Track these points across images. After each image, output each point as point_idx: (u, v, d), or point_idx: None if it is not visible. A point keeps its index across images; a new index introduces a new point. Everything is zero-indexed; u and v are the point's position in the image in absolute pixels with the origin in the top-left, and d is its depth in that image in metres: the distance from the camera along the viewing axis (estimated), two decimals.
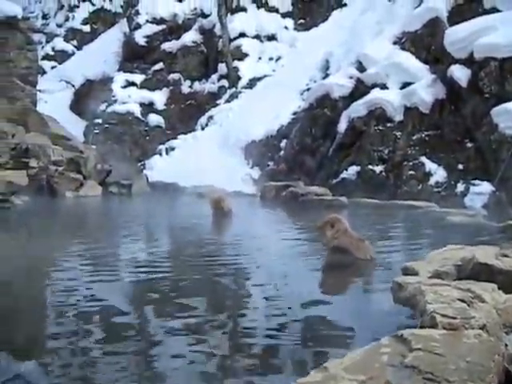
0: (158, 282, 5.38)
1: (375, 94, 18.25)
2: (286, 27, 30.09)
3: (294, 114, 22.75)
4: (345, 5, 29.77)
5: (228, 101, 27.51)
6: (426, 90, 17.32)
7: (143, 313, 4.45)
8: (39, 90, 24.84)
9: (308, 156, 19.56)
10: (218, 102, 28.11)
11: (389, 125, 17.60)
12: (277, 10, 30.50)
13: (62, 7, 42.93)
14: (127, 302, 4.82)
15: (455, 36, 17.06)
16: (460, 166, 16.02)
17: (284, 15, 30.44)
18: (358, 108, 18.26)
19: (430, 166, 16.42)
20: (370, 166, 17.23)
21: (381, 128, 17.63)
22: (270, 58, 28.97)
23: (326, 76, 23.13)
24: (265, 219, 11.81)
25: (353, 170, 17.46)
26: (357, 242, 6.04)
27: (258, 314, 4.33)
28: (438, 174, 16.19)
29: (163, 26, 31.53)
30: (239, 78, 28.14)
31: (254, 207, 14.83)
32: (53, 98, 30.74)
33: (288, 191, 14.97)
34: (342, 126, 18.66)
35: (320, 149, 19.45)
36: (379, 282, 5.23)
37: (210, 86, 29.40)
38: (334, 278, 5.77)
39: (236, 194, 16.87)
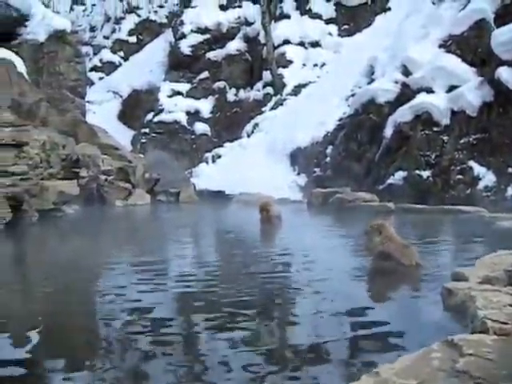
0: (207, 291, 5.45)
1: (421, 98, 18.07)
2: (329, 33, 30.05)
3: (340, 120, 22.69)
4: (389, 9, 29.63)
5: (273, 108, 27.59)
6: (472, 93, 17.09)
7: (192, 322, 4.50)
8: (88, 101, 25.38)
9: (354, 162, 19.49)
10: (263, 109, 28.21)
11: (435, 129, 17.41)
12: (320, 17, 30.50)
13: (108, 19, 43.71)
14: (176, 311, 4.87)
15: (502, 37, 16.80)
16: (510, 170, 15.76)
17: (328, 21, 30.42)
18: (404, 113, 18.11)
19: (478, 169, 16.19)
20: (417, 171, 17.07)
21: (427, 132, 17.46)
22: (315, 65, 28.97)
23: (371, 81, 23.00)
24: (313, 226, 11.78)
25: (399, 175, 17.33)
26: (402, 247, 6.02)
27: (306, 319, 4.36)
28: (487, 178, 15.95)
29: (208, 36, 31.81)
30: (284, 85, 28.20)
31: (301, 214, 14.79)
32: (101, 108, 31.33)
33: (335, 198, 14.92)
34: (388, 131, 18.54)
35: (366, 154, 19.37)
36: (427, 287, 5.21)
37: (255, 93, 29.55)
38: (381, 284, 5.76)
39: (283, 200, 16.84)
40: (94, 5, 45.90)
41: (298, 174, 22.69)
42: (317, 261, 6.86)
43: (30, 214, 11.29)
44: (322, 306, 4.66)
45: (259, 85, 29.61)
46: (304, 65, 29.21)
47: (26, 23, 21.06)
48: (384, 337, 3.89)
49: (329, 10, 30.57)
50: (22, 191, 11.35)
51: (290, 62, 29.08)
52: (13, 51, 20.08)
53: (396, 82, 19.54)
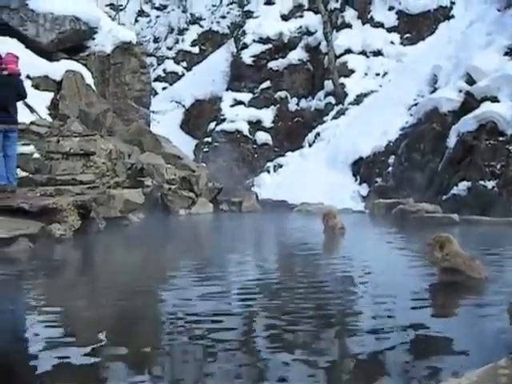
0: (267, 302, 5.55)
1: (486, 107, 17.83)
2: (391, 42, 29.88)
3: (402, 129, 22.56)
4: (452, 17, 29.30)
5: (335, 117, 27.59)
6: None
7: (253, 334, 4.56)
8: (152, 111, 25.87)
9: (417, 172, 19.33)
10: (324, 118, 28.22)
11: (501, 139, 17.15)
12: (382, 25, 30.36)
13: (172, 31, 44.47)
14: (235, 320, 4.96)
15: None
16: None
17: (390, 30, 30.25)
18: (468, 122, 17.89)
19: None
20: (482, 182, 16.83)
21: (492, 142, 17.20)
22: (377, 74, 28.84)
23: (434, 90, 22.83)
24: (376, 237, 11.72)
25: (463, 185, 17.11)
26: (469, 261, 5.98)
27: (369, 333, 4.40)
28: None
29: (269, 45, 32.02)
30: (346, 95, 28.16)
31: (364, 225, 14.74)
32: (164, 118, 31.87)
33: (398, 208, 14.82)
34: (452, 140, 18.34)
35: (429, 164, 19.21)
36: (494, 301, 5.19)
37: (316, 103, 29.58)
38: (446, 298, 5.74)
39: (345, 211, 16.83)
40: (158, 16, 46.71)
41: (360, 183, 22.63)
42: (380, 273, 6.87)
43: (98, 221, 11.56)
44: (384, 319, 4.67)
45: (321, 94, 29.63)
46: (366, 74, 29.11)
47: (94, 36, 21.64)
48: (449, 351, 3.91)
49: (391, 19, 30.39)
50: (90, 199, 11.63)
51: (352, 71, 29.02)
52: (81, 63, 20.69)
53: (460, 91, 19.34)
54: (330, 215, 11.10)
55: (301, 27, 32.27)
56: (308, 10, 32.86)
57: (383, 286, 6.03)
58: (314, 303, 5.26)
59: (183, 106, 36.02)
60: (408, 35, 29.87)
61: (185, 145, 27.54)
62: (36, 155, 15.42)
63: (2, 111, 11.05)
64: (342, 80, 28.70)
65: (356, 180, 23.00)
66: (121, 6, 45.40)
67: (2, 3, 19.81)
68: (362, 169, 23.05)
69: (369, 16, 30.61)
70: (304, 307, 5.09)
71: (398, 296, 5.45)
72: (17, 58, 11.70)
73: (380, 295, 5.55)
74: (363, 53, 29.56)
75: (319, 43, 30.84)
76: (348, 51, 29.51)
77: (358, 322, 4.67)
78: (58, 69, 19.78)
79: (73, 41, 21.01)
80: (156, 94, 35.89)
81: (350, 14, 30.74)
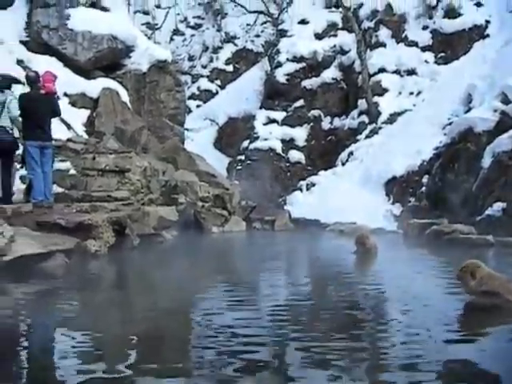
0: (300, 321, 5.57)
1: None
2: (426, 61, 29.75)
3: (436, 148, 22.42)
4: (487, 36, 29.13)
5: (368, 136, 27.52)
6: None
7: (282, 354, 4.58)
8: (186, 129, 26.08)
9: (451, 192, 19.14)
10: (358, 137, 28.15)
11: None
12: (416, 44, 30.28)
13: (206, 49, 44.91)
14: (268, 338, 4.97)
15: None
16: None
17: (424, 49, 30.15)
18: (504, 142, 17.72)
19: None
20: None
21: None
22: (411, 93, 28.73)
23: (469, 110, 22.68)
24: (410, 259, 11.58)
25: (498, 206, 16.90)
26: (506, 283, 5.93)
27: (401, 355, 4.40)
28: None
29: (303, 64, 32.08)
30: (379, 114, 28.09)
31: (397, 246, 14.63)
32: (198, 135, 32.09)
33: (432, 229, 14.69)
34: (486, 160, 18.17)
35: (463, 185, 19.03)
36: None
37: (350, 121, 29.54)
38: (483, 321, 5.68)
39: (378, 230, 16.74)
40: (192, 35, 47.22)
41: (393, 203, 22.50)
42: (414, 297, 6.79)
43: (132, 238, 11.67)
44: (419, 350, 4.63)
45: (354, 113, 29.60)
46: (400, 93, 29.02)
47: (130, 54, 21.96)
48: (481, 374, 3.89)
49: (425, 38, 30.30)
50: (125, 216, 11.77)
51: (386, 90, 28.96)
52: (117, 81, 21.00)
53: (495, 111, 19.18)
54: (363, 238, 11.09)
55: (335, 46, 32.32)
56: (342, 29, 32.93)
57: (419, 311, 5.94)
58: (346, 335, 5.20)
59: (217, 124, 36.23)
60: (442, 54, 29.73)
61: (218, 162, 27.72)
62: (72, 171, 15.66)
63: (37, 128, 11.24)
64: (376, 99, 28.64)
65: (389, 199, 22.87)
66: (156, 24, 45.98)
67: (43, 23, 20.23)
68: (395, 188, 22.93)
69: (403, 35, 30.56)
70: (336, 338, 5.01)
71: (434, 325, 5.31)
72: (55, 76, 11.93)
73: (416, 322, 5.45)
74: (397, 72, 29.47)
75: (353, 62, 30.85)
76: (382, 70, 29.46)
77: (393, 354, 4.56)
78: (94, 86, 20.10)
79: (109, 59, 21.35)
80: (190, 111, 36.13)
81: (383, 33, 30.73)
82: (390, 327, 5.36)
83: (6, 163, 11.39)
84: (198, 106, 40.02)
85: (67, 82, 17.86)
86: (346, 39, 31.92)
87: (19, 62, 19.00)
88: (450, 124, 22.78)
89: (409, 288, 7.40)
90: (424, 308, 6.10)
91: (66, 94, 18.70)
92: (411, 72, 29.40)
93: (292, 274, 9.54)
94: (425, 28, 30.47)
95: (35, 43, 20.29)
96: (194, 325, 5.57)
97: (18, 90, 12.85)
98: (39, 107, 11.26)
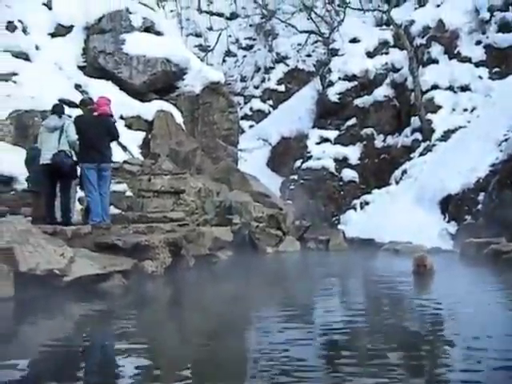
0: (355, 344, 5.55)
1: None
2: (479, 76, 29.32)
3: (492, 165, 22.03)
4: None
5: (422, 154, 27.22)
6: None
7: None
8: (240, 149, 26.28)
9: (508, 209, 18.77)
10: (411, 155, 27.86)
11: None
12: (470, 60, 29.89)
13: (258, 70, 45.18)
14: (321, 361, 4.97)
15: None
16: None
17: (477, 64, 29.73)
18: None
19: None
20: None
21: None
22: (465, 109, 28.33)
23: None
24: (468, 280, 11.23)
25: None
26: None
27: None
28: None
29: (355, 83, 31.99)
30: (433, 131, 27.77)
31: (454, 266, 14.37)
32: (251, 156, 32.22)
33: (490, 248, 14.32)
34: None
35: None
36: None
37: (403, 139, 29.28)
38: None
39: (434, 250, 16.51)
40: (244, 56, 47.57)
41: (449, 221, 22.15)
42: (476, 320, 6.67)
43: (188, 259, 11.79)
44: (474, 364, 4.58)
45: (407, 131, 29.33)
46: (453, 109, 28.65)
47: (184, 77, 22.31)
48: None
49: (478, 53, 29.89)
50: (181, 237, 11.89)
51: (439, 107, 28.64)
52: (171, 103, 21.36)
53: None
54: (421, 257, 10.98)
55: (386, 64, 32.16)
56: (393, 46, 32.76)
57: (477, 333, 5.82)
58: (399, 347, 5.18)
59: (270, 144, 36.32)
60: (496, 69, 29.28)
61: (271, 182, 27.76)
62: (129, 193, 15.96)
63: (92, 150, 11.42)
64: (429, 116, 28.35)
65: (444, 218, 22.51)
66: (209, 46, 46.53)
67: (99, 48, 20.77)
68: (451, 206, 22.59)
69: (455, 51, 30.22)
70: (401, 365, 4.98)
71: (503, 352, 5.17)
72: (109, 101, 12.17)
73: (483, 347, 5.29)
74: (450, 88, 29.14)
75: (405, 79, 30.64)
76: (435, 87, 29.17)
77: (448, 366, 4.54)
78: (149, 109, 20.51)
79: (164, 82, 21.77)
80: (243, 132, 36.29)
81: (436, 50, 30.44)
82: (449, 342, 5.33)
83: (65, 186, 11.64)
84: (250, 127, 40.22)
85: (123, 104, 18.26)
86: (398, 56, 31.75)
87: (77, 87, 19.55)
88: (506, 140, 22.40)
89: (470, 311, 7.23)
90: (488, 333, 5.86)
91: (121, 117, 19.11)
92: (465, 88, 29.02)
93: (347, 296, 9.48)
94: (478, 43, 30.08)
95: (92, 68, 20.86)
96: (249, 345, 5.61)
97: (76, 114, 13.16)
98: (93, 129, 11.41)
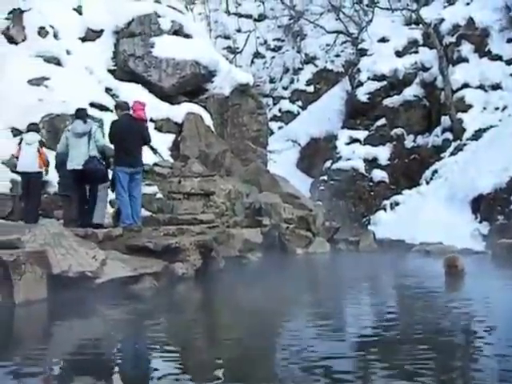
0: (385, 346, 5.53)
1: None
2: (511, 74, 29.03)
3: None
4: None
5: (453, 154, 26.98)
6: None
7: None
8: (269, 151, 26.29)
9: None
10: (442, 155, 27.65)
11: None
12: (501, 58, 29.56)
13: (287, 71, 45.19)
14: (351, 363, 4.97)
15: None
16: None
17: (509, 62, 29.41)
18: None
19: None
20: None
21: None
22: (496, 108, 28.03)
23: None
24: (501, 282, 10.98)
25: None
26: None
27: None
28: None
29: (384, 82, 31.82)
30: (464, 130, 27.53)
31: (486, 267, 14.20)
32: (281, 157, 32.25)
33: None
34: None
35: None
36: None
37: (433, 139, 29.06)
38: None
39: (465, 251, 16.33)
40: (273, 57, 47.57)
41: (481, 221, 21.93)
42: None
43: (218, 261, 11.82)
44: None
45: (438, 130, 29.11)
46: (484, 108, 28.37)
47: (213, 79, 22.39)
48: None
49: (509, 51, 29.56)
50: (211, 239, 11.94)
51: (470, 106, 28.38)
52: (201, 105, 21.44)
53: None
54: (452, 258, 10.90)
55: (416, 63, 31.93)
56: (423, 45, 32.51)
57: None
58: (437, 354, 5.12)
59: (299, 145, 36.33)
60: None
61: (301, 183, 27.70)
62: (159, 195, 16.07)
63: (128, 154, 11.53)
64: (460, 115, 28.11)
65: (476, 218, 22.29)
66: (237, 48, 46.61)
67: (129, 52, 20.93)
68: (482, 206, 22.34)
69: (486, 49, 29.91)
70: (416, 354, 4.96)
71: None
72: (143, 105, 12.26)
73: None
74: (481, 87, 28.85)
75: (435, 78, 30.41)
76: (465, 86, 28.90)
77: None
78: (179, 111, 20.60)
79: (193, 84, 21.85)
80: (272, 133, 36.30)
81: (466, 48, 30.16)
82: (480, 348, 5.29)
83: (94, 190, 11.71)
84: (279, 128, 40.25)
85: (152, 107, 18.35)
86: (428, 56, 31.51)
87: (107, 90, 19.73)
88: None
89: (500, 313, 7.17)
90: None
91: (151, 120, 19.21)
92: (496, 87, 28.71)
93: (378, 298, 9.43)
94: (509, 41, 29.73)
95: (122, 71, 21.02)
96: (280, 348, 5.63)
97: (108, 118, 13.27)
98: (129, 134, 11.50)
